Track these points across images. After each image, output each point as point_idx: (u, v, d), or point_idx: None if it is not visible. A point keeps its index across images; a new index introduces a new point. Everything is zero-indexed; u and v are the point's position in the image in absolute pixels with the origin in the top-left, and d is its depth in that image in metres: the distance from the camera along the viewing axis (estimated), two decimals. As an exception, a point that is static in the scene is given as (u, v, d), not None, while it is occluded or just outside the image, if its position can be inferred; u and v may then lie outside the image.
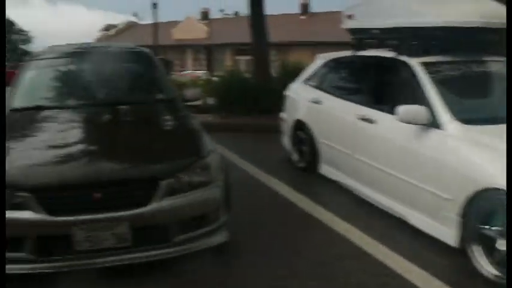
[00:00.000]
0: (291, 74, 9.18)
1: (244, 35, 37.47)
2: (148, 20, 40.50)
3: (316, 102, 5.50)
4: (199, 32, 36.45)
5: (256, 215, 4.22)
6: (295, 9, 36.19)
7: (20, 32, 59.47)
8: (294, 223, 4.12)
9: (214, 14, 42.17)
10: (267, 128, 8.22)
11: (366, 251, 3.54)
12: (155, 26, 23.60)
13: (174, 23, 36.81)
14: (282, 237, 3.80)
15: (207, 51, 37.76)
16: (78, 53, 4.85)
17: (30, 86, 4.30)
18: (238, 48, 36.90)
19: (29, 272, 2.90)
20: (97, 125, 3.87)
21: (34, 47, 56.58)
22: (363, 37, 5.20)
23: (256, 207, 4.40)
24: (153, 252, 3.10)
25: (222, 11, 50.97)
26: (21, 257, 2.87)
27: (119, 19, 59.58)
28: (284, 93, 6.51)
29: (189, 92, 4.58)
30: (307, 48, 28.31)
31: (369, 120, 4.42)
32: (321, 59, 6.02)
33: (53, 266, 2.93)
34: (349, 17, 5.25)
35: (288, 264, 3.35)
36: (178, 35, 36.23)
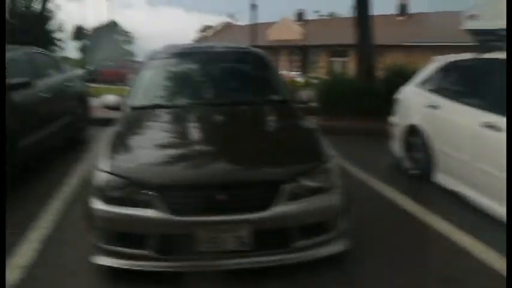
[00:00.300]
0: (396, 76, 8.84)
1: (339, 37, 36.98)
2: (243, 21, 41.38)
3: (434, 107, 5.16)
4: (294, 33, 36.46)
5: (372, 223, 4.04)
6: (392, 10, 34.81)
7: (124, 33, 63.87)
8: (413, 234, 3.88)
9: (310, 15, 41.90)
10: (372, 131, 7.98)
11: (491, 266, 3.24)
12: (253, 27, 23.91)
13: (270, 24, 37.13)
14: (402, 249, 3.59)
15: (301, 52, 37.63)
16: (194, 53, 4.99)
17: (148, 85, 4.45)
18: (333, 50, 36.42)
19: (151, 269, 2.96)
20: (215, 125, 3.90)
21: (136, 47, 60.52)
22: (488, 38, 4.78)
23: (371, 216, 4.20)
24: (272, 258, 3.03)
25: (316, 12, 50.57)
26: (144, 254, 2.94)
27: (215, 20, 61.52)
28: (394, 96, 6.21)
29: (303, 94, 4.48)
30: (404, 50, 27.26)
31: (495, 128, 4.05)
32: (437, 61, 5.65)
33: (175, 265, 2.97)
34: (472, 17, 4.84)
35: (410, 277, 3.15)
36: (273, 35, 36.51)
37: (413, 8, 34.82)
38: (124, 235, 2.96)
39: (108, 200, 2.98)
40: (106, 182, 3.01)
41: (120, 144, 3.37)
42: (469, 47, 5.18)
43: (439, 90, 5.28)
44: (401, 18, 33.53)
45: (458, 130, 4.70)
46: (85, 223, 3.22)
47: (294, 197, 3.02)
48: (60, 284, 3.10)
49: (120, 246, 2.98)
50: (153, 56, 4.81)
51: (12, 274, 3.10)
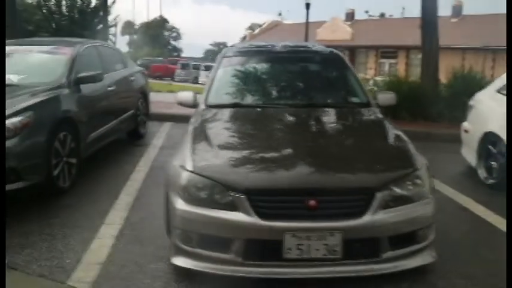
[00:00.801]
0: (462, 81, 8.45)
1: (388, 38, 36.06)
2: (291, 20, 41.08)
3: None
4: (343, 33, 35.90)
5: (454, 234, 3.78)
6: (447, 11, 33.68)
7: (172, 29, 65.08)
8: (498, 247, 3.59)
9: (360, 15, 41.20)
10: (438, 136, 7.67)
11: None
12: (305, 25, 23.65)
13: (319, 23, 36.72)
14: (487, 262, 3.34)
15: (350, 53, 37.01)
16: (269, 51, 4.86)
17: (225, 83, 4.33)
18: (382, 51, 35.68)
19: (233, 274, 2.83)
20: (299, 127, 3.76)
21: (183, 43, 61.48)
22: None
23: (452, 226, 3.95)
24: (361, 267, 2.88)
25: (367, 12, 49.82)
26: (226, 258, 2.83)
27: (262, 18, 61.53)
28: (469, 102, 5.90)
29: (383, 96, 4.26)
30: (456, 53, 26.39)
31: None
32: None
33: (259, 271, 2.83)
34: None
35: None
36: (322, 35, 36.08)
37: (468, 10, 33.64)
38: (206, 237, 2.86)
39: (192, 201, 2.88)
40: (191, 182, 2.91)
41: (202, 144, 3.26)
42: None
43: None
44: (454, 20, 32.40)
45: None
46: (164, 222, 3.15)
47: (386, 205, 2.86)
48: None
49: (201, 248, 2.88)
50: (227, 54, 4.68)
51: (89, 271, 3.05)
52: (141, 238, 3.59)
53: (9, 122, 3.89)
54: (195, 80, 30.77)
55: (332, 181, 2.93)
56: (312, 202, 2.76)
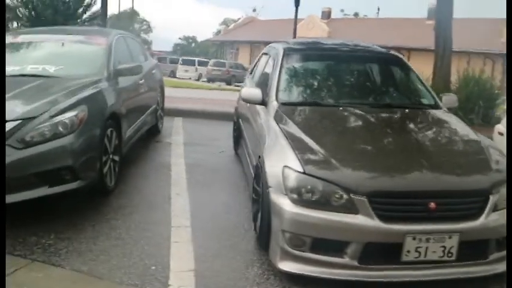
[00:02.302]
0: (476, 84, 8.49)
1: (365, 37, 36.39)
2: (264, 16, 40.84)
3: None
4: (320, 31, 36.07)
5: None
6: (424, 13, 34.37)
7: (143, 21, 63.83)
8: None
9: (335, 14, 41.53)
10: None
11: None
12: (295, 22, 23.44)
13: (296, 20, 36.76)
14: None
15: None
16: (332, 50, 4.73)
17: (291, 81, 4.15)
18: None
19: (347, 278, 2.72)
20: (389, 128, 3.64)
21: (152, 36, 60.44)
22: None
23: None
24: (471, 269, 2.86)
25: (342, 11, 50.38)
26: (341, 262, 2.71)
27: (232, 14, 61.17)
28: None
29: (446, 98, 4.18)
30: (430, 54, 26.92)
31: None
32: None
33: (376, 274, 2.73)
34: None
35: None
36: (299, 32, 35.99)
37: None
38: (319, 241, 2.71)
39: (303, 203, 2.73)
40: (302, 184, 2.75)
41: (301, 143, 3.09)
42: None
43: None
44: (430, 22, 33.05)
45: None
46: (265, 226, 2.98)
47: (495, 207, 2.83)
48: None
49: (313, 252, 2.74)
50: (287, 51, 4.43)
51: (184, 279, 2.85)
52: (221, 241, 3.38)
53: (65, 117, 3.57)
54: (172, 74, 30.27)
55: (452, 183, 2.88)
56: (433, 204, 2.70)
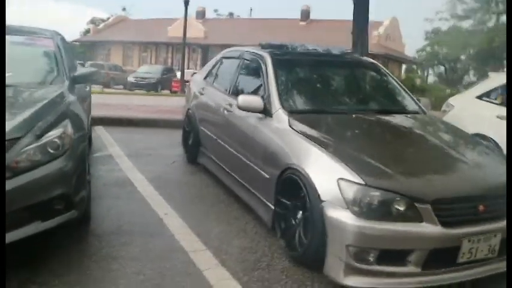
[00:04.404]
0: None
1: (240, 37, 37.24)
2: (136, 16, 39.45)
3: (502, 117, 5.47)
4: (196, 31, 35.82)
5: None
6: (297, 15, 36.20)
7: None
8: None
9: (209, 14, 41.69)
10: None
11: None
12: (185, 23, 22.95)
13: (171, 20, 36.14)
14: None
15: (203, 51, 37.30)
16: (318, 55, 4.65)
17: (289, 87, 4.03)
18: (235, 50, 36.64)
19: (412, 286, 2.74)
20: (407, 132, 3.75)
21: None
22: None
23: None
24: (502, 264, 3.02)
25: (216, 11, 50.72)
26: (406, 271, 2.72)
27: (95, 13, 57.90)
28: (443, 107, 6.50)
29: (423, 103, 4.43)
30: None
31: None
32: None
33: (436, 279, 2.78)
34: None
35: None
36: (174, 32, 35.53)
37: (319, 15, 36.57)
38: (384, 252, 2.68)
39: (365, 215, 2.67)
40: (364, 195, 2.69)
41: (341, 153, 3.01)
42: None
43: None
44: (303, 23, 35.01)
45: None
46: (316, 242, 2.84)
47: None
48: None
49: (379, 264, 2.69)
50: (275, 56, 4.26)
51: None
52: (256, 263, 3.14)
53: (52, 135, 2.99)
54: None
55: (495, 186, 3.04)
56: (482, 207, 2.84)
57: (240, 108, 3.81)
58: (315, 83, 4.28)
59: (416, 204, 2.68)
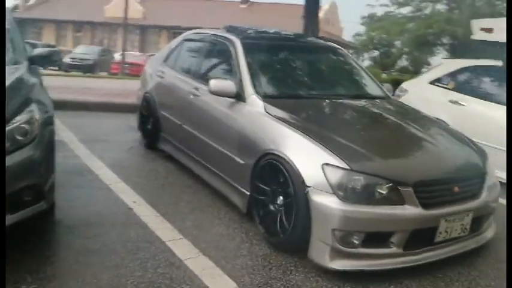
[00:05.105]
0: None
1: (181, 18, 36.54)
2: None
3: (457, 102, 5.75)
4: (134, 12, 34.47)
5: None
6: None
7: None
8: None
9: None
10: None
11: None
12: (126, 1, 21.95)
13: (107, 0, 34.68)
14: None
15: (141, 33, 36.20)
16: (284, 40, 4.66)
17: (260, 72, 3.94)
18: (176, 31, 35.96)
19: (393, 267, 2.83)
20: (379, 117, 3.81)
21: None
22: None
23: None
24: (472, 241, 3.24)
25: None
26: (389, 252, 2.82)
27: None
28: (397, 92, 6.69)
29: (386, 88, 4.55)
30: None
31: None
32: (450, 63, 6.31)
33: (416, 258, 2.90)
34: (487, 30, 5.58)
35: None
36: (111, 12, 34.18)
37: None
38: (369, 235, 2.75)
39: (351, 199, 2.72)
40: (349, 180, 2.74)
41: (323, 139, 3.02)
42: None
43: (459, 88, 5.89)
44: (243, 6, 34.82)
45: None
46: (300, 227, 2.86)
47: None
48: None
49: (364, 247, 2.76)
50: (243, 40, 4.16)
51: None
52: (238, 251, 3.11)
53: (20, 120, 2.77)
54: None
55: (468, 169, 3.23)
56: (456, 188, 2.99)
57: (212, 92, 3.72)
58: (287, 67, 4.25)
59: (399, 188, 2.76)
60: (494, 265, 3.21)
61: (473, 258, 3.23)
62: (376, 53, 43.62)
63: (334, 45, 4.93)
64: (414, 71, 38.09)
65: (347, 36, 39.94)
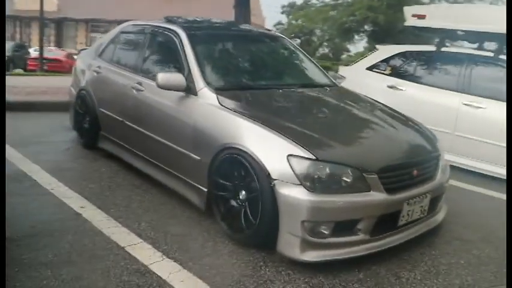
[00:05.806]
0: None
1: (100, 11, 35.11)
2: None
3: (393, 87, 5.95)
4: (48, 4, 32.46)
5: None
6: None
7: None
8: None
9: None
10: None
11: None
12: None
13: (17, -9, 32.35)
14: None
15: (57, 26, 34.31)
16: (226, 30, 4.56)
17: (207, 64, 3.77)
18: (93, 24, 34.54)
19: (362, 254, 2.85)
20: (333, 105, 3.82)
21: None
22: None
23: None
24: (430, 220, 3.38)
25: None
26: (357, 239, 2.83)
27: None
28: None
29: (332, 76, 4.59)
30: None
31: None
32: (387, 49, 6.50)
33: (382, 243, 2.95)
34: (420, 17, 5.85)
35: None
36: (22, 5, 32.00)
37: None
38: (338, 224, 2.75)
39: (318, 189, 2.70)
40: (314, 170, 2.71)
41: (283, 129, 2.95)
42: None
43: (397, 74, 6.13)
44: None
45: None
46: (267, 221, 2.80)
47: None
48: None
49: (334, 236, 2.76)
50: (189, 31, 3.98)
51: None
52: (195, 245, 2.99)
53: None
54: None
55: (425, 152, 3.33)
56: (416, 171, 3.08)
57: (160, 86, 3.53)
58: (235, 58, 4.14)
59: (365, 175, 2.77)
60: (451, 242, 3.36)
61: (431, 238, 3.35)
62: (297, 41, 44.70)
63: (278, 34, 4.89)
64: (335, 58, 39.51)
65: (268, 25, 40.53)
